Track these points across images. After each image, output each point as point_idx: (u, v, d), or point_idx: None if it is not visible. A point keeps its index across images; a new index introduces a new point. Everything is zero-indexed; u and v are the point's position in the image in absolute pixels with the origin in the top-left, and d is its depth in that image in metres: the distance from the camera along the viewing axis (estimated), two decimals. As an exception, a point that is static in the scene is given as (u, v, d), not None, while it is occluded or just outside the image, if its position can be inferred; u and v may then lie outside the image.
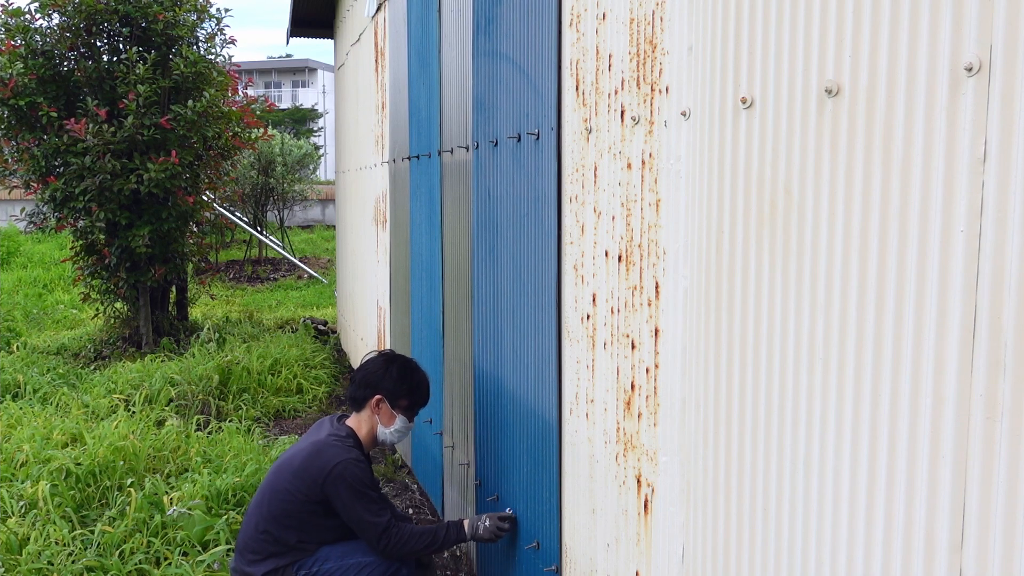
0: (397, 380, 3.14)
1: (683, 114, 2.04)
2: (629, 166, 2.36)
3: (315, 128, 38.48)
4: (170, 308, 8.68)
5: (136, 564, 3.48)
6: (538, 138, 2.86)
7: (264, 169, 15.17)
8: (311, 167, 18.62)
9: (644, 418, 2.34)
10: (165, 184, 7.28)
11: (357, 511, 2.90)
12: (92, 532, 3.70)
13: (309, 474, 2.93)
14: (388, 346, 5.67)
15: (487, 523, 3.01)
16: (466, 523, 3.07)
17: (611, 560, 2.59)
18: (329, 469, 2.91)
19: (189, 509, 3.77)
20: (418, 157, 4.53)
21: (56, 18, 7.53)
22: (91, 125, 7.02)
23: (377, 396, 3.11)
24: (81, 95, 7.42)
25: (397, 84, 5.04)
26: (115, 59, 7.68)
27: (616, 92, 2.42)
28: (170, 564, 3.47)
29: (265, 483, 3.04)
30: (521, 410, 3.05)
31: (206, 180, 8.36)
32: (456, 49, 3.71)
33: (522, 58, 2.96)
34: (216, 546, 3.59)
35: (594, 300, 2.65)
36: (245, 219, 15.11)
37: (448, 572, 3.72)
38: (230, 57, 8.43)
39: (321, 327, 8.85)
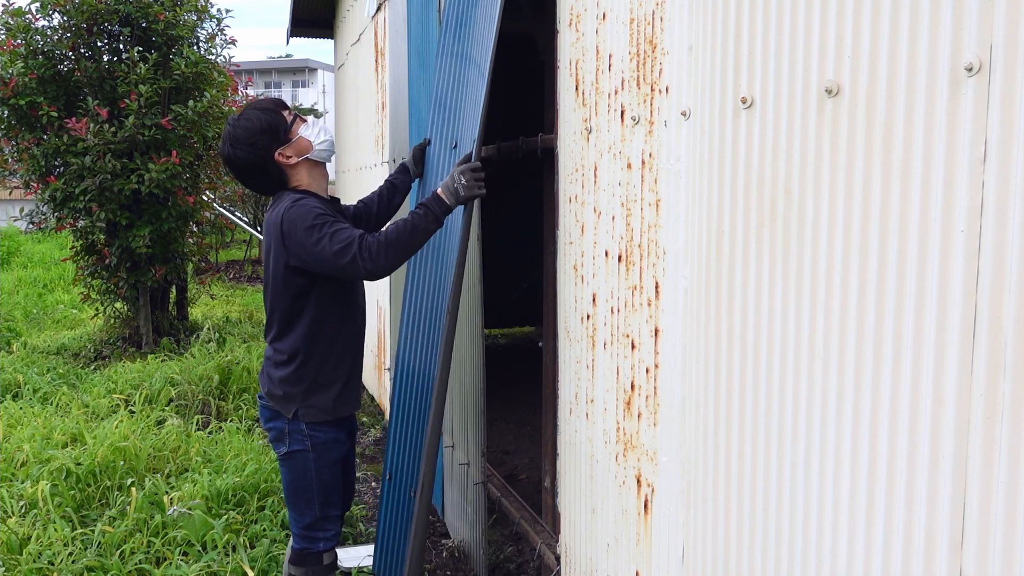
0: (260, 134, 2.63)
1: (683, 114, 2.04)
2: (629, 166, 2.36)
3: (315, 128, 38.38)
4: (170, 308, 8.68)
5: (136, 564, 3.48)
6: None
7: (264, 169, 15.14)
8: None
9: (644, 418, 2.34)
10: (165, 184, 7.27)
11: (321, 246, 2.48)
12: (92, 532, 3.69)
13: (273, 253, 2.61)
14: (389, 347, 5.66)
15: (463, 180, 2.57)
16: (440, 191, 2.60)
17: (611, 560, 2.59)
18: (279, 228, 2.55)
19: (189, 509, 3.77)
20: (418, 157, 4.53)
21: (57, 18, 7.53)
22: (92, 125, 7.02)
23: (276, 155, 2.65)
24: (81, 95, 7.41)
25: (397, 84, 5.03)
26: (116, 59, 7.67)
27: (616, 92, 2.42)
28: (170, 564, 3.47)
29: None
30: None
31: (206, 180, 8.35)
32: (456, 49, 3.71)
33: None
34: (216, 546, 3.59)
35: (594, 300, 2.65)
36: (245, 219, 15.10)
37: (448, 572, 3.72)
38: (230, 57, 8.42)
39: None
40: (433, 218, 2.58)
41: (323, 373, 2.72)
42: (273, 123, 2.65)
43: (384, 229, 2.56)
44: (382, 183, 3.21)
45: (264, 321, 2.86)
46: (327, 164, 2.84)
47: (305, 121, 2.74)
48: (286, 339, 2.70)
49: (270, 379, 2.75)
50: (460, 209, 2.79)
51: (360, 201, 3.12)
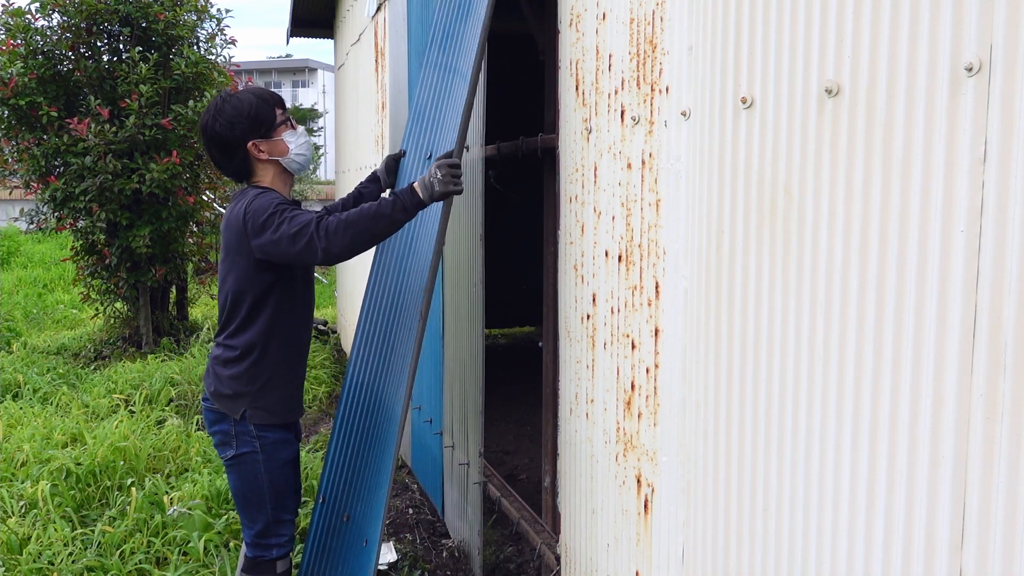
0: (244, 118, 2.59)
1: (683, 114, 2.04)
2: (629, 166, 2.36)
3: (315, 128, 38.41)
4: (170, 308, 8.68)
5: (136, 564, 3.48)
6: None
7: (264, 169, 15.13)
8: (311, 167, 18.62)
9: (644, 418, 2.34)
10: (166, 184, 7.28)
11: (281, 233, 2.43)
12: (92, 532, 3.69)
13: (236, 249, 2.54)
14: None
15: (439, 174, 2.45)
16: (416, 184, 2.49)
17: (611, 560, 2.59)
18: (242, 221, 2.50)
19: (189, 509, 3.77)
20: (418, 157, 4.53)
21: (56, 18, 7.53)
22: (93, 125, 7.02)
23: (250, 144, 2.59)
24: (82, 95, 7.42)
25: (397, 84, 5.03)
26: (116, 59, 7.68)
27: (616, 92, 2.42)
28: (170, 564, 3.47)
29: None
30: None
31: (206, 180, 8.35)
32: (456, 49, 3.71)
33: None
34: (216, 546, 3.59)
35: (594, 300, 2.65)
36: (245, 219, 15.09)
37: (448, 572, 3.72)
38: (230, 57, 8.42)
39: (321, 327, 8.85)
40: (401, 208, 2.44)
41: (277, 374, 2.66)
42: (261, 113, 2.60)
43: (347, 211, 2.48)
44: (351, 190, 3.15)
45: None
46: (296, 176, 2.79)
47: (294, 128, 2.69)
48: (242, 335, 2.62)
49: (217, 378, 2.66)
50: (435, 216, 2.70)
51: (324, 207, 3.08)
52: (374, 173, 3.15)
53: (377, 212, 2.44)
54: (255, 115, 2.60)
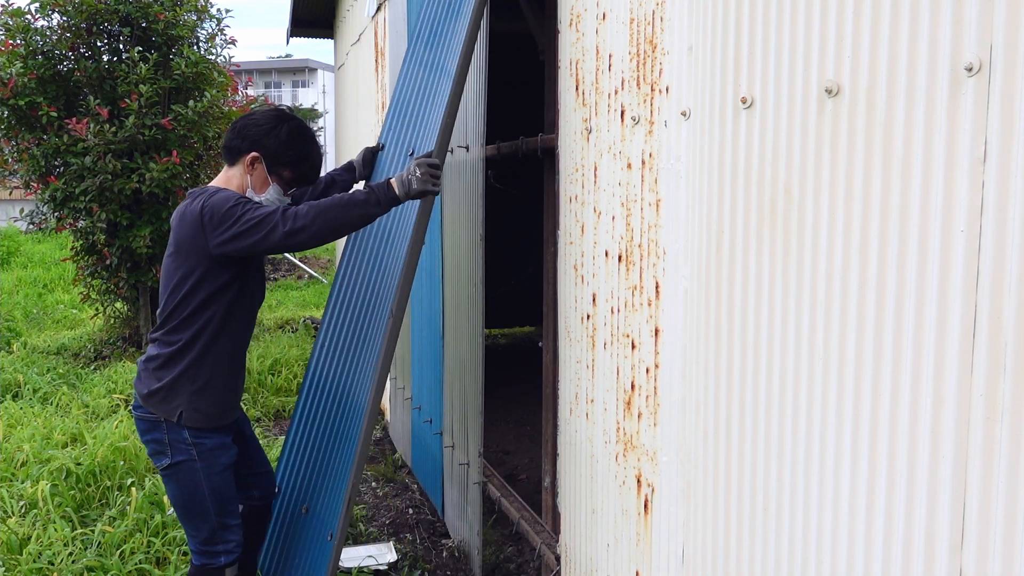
0: (284, 143, 2.58)
1: (683, 114, 2.04)
2: (629, 166, 2.36)
3: (315, 128, 38.47)
4: (170, 308, 8.69)
5: (136, 564, 3.48)
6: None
7: (264, 169, 15.13)
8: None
9: (644, 418, 2.34)
10: (166, 184, 7.28)
11: (243, 222, 2.40)
12: (92, 532, 3.69)
13: (189, 245, 2.48)
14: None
15: (417, 172, 2.45)
16: (393, 180, 2.48)
17: (611, 560, 2.59)
18: (199, 217, 2.44)
19: (189, 509, 3.77)
20: (418, 157, 4.52)
21: (56, 18, 7.53)
22: (92, 125, 7.02)
23: (254, 153, 2.57)
24: (82, 95, 7.42)
25: (397, 84, 5.03)
26: (115, 59, 7.68)
27: (616, 92, 2.42)
28: (170, 564, 3.47)
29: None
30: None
31: (206, 180, 8.35)
32: (456, 49, 3.71)
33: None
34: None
35: (594, 300, 2.65)
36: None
37: (448, 572, 3.72)
38: (230, 57, 8.42)
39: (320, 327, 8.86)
40: (375, 201, 2.43)
41: (219, 373, 2.58)
42: (290, 158, 2.60)
43: (319, 200, 2.45)
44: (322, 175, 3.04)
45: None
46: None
47: (282, 193, 2.66)
48: (187, 330, 2.52)
49: (152, 377, 2.55)
50: (412, 215, 2.67)
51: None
52: (350, 163, 3.10)
53: (350, 202, 2.44)
54: (286, 151, 2.59)
